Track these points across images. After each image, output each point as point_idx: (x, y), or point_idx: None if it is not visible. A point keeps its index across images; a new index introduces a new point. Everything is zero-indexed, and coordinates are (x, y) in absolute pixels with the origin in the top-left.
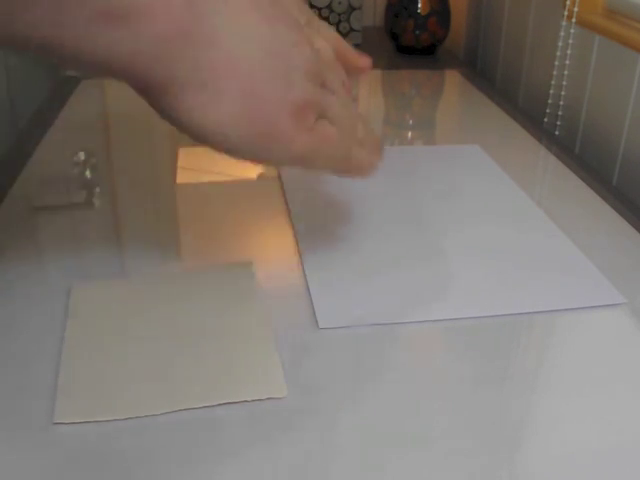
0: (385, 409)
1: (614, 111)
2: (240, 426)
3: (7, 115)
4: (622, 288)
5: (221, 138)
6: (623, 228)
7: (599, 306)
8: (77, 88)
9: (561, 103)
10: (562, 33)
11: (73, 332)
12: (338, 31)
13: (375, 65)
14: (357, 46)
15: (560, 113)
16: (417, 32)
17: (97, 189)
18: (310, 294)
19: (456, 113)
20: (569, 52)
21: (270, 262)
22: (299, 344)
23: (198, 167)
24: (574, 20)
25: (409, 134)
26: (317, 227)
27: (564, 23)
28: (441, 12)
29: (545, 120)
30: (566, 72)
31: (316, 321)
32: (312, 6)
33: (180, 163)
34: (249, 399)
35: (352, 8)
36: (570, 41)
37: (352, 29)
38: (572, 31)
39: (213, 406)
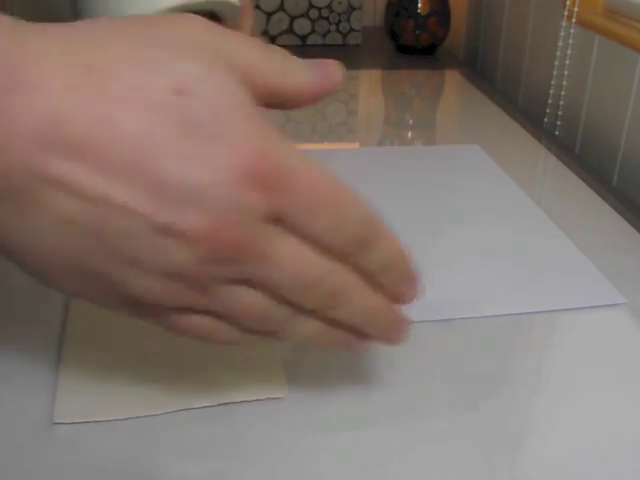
0: (385, 409)
1: (614, 111)
2: (240, 426)
3: None
4: (622, 288)
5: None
6: (623, 228)
7: (599, 306)
8: None
9: (561, 103)
10: (562, 33)
11: (73, 332)
12: (338, 31)
13: (375, 65)
14: (357, 46)
15: (560, 113)
16: (417, 32)
17: None
18: None
19: (456, 113)
20: (569, 52)
21: None
22: (299, 344)
23: None
24: (574, 20)
25: (409, 134)
26: None
27: (564, 23)
28: (441, 12)
29: (545, 120)
30: (566, 72)
31: None
32: (312, 6)
33: None
34: (249, 399)
35: (352, 8)
36: (570, 41)
37: (352, 29)
38: (572, 31)
39: (213, 406)
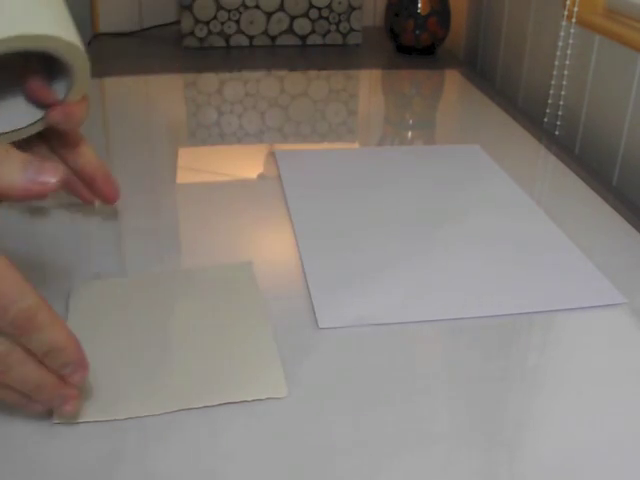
0: (385, 409)
1: (614, 111)
2: (240, 426)
3: None
4: (622, 288)
5: None
6: (623, 228)
7: (599, 306)
8: None
9: (561, 103)
10: (562, 33)
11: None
12: (338, 31)
13: (375, 65)
14: (357, 46)
15: (560, 113)
16: (417, 32)
17: None
18: (310, 294)
19: (456, 113)
20: (569, 52)
21: (270, 262)
22: (299, 344)
23: (198, 167)
24: (574, 20)
25: (409, 134)
26: (317, 227)
27: (564, 23)
28: (441, 12)
29: (545, 120)
30: (566, 72)
31: (316, 321)
32: (312, 6)
33: (180, 163)
34: (249, 399)
35: (352, 8)
36: (570, 41)
37: (352, 29)
38: (572, 31)
39: (213, 406)
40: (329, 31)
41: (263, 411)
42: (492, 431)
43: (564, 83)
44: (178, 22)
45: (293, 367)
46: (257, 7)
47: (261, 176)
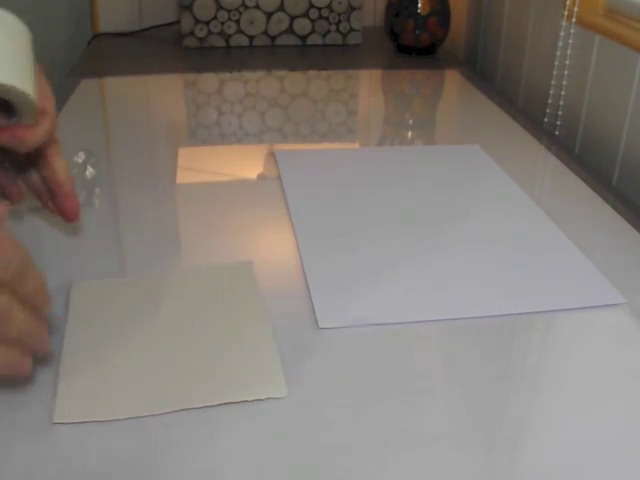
0: (385, 409)
1: (614, 111)
2: (240, 426)
3: None
4: (622, 288)
5: None
6: (623, 228)
7: (599, 306)
8: (77, 88)
9: (561, 103)
10: (562, 33)
11: (73, 332)
12: (338, 31)
13: (375, 65)
14: (357, 46)
15: (560, 113)
16: (417, 32)
17: (97, 189)
18: (310, 294)
19: (456, 113)
20: (569, 52)
21: (270, 262)
22: (299, 344)
23: (198, 167)
24: (574, 20)
25: (409, 134)
26: (317, 227)
27: (564, 23)
28: (441, 12)
29: (545, 120)
30: (566, 72)
31: (316, 321)
32: (312, 6)
33: (180, 163)
34: (249, 399)
35: (352, 8)
36: (570, 41)
37: (352, 29)
38: (572, 31)
39: (213, 406)
40: (329, 31)
41: (263, 411)
42: (492, 431)
43: (564, 83)
44: (178, 22)
45: (293, 367)
46: (257, 7)
47: (261, 176)
